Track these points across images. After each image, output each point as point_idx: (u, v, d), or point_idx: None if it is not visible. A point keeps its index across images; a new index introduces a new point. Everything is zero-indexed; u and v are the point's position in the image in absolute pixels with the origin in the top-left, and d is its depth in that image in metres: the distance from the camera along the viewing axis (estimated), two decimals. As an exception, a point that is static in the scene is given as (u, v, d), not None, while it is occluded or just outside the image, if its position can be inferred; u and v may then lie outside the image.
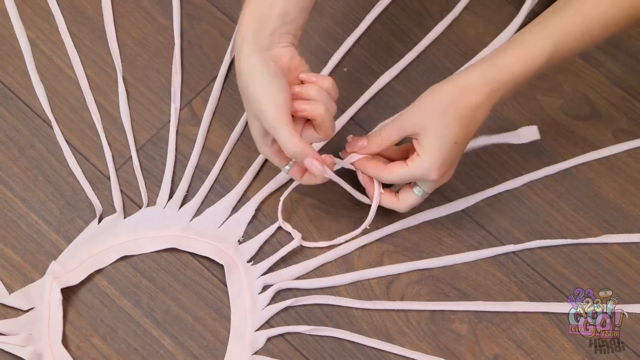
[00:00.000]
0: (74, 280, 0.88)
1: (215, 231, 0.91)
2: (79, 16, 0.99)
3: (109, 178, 0.92)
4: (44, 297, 0.86)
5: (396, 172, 0.84)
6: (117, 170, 0.93)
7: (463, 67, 0.83)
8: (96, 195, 0.91)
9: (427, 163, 0.82)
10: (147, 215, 0.91)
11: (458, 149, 0.83)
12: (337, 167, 0.88)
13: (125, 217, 0.91)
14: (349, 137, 0.87)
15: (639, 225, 0.92)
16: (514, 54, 0.81)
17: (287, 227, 0.90)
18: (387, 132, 0.85)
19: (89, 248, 0.89)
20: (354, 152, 0.86)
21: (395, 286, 0.89)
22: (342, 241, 0.90)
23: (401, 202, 0.87)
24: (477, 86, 0.81)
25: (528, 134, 0.92)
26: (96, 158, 0.93)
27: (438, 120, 0.81)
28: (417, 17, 1.00)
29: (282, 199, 0.90)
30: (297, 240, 0.89)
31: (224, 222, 0.91)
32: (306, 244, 0.90)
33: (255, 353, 0.86)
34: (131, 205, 0.92)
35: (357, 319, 0.88)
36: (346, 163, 0.87)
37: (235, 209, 0.92)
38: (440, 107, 0.81)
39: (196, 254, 0.90)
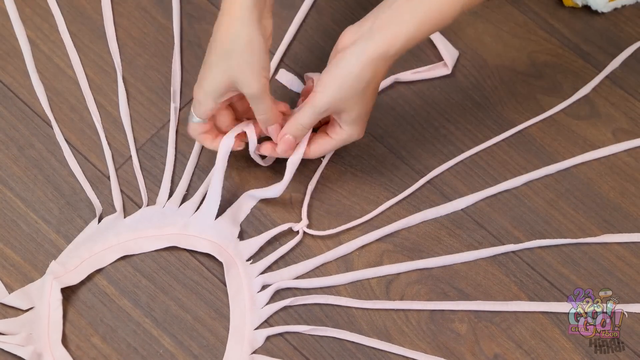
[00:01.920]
0: (74, 280, 0.88)
1: (214, 224, 0.90)
2: (78, 16, 0.99)
3: (108, 178, 0.92)
4: (43, 297, 0.86)
5: (324, 146, 0.88)
6: (117, 170, 0.93)
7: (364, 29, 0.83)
8: (96, 195, 0.91)
9: (354, 133, 0.86)
10: (147, 215, 0.91)
11: (372, 107, 0.87)
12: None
13: (125, 217, 0.91)
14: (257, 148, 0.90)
15: (639, 225, 0.92)
16: (421, 22, 0.81)
17: (304, 220, 0.91)
18: (307, 120, 0.85)
19: (89, 248, 0.89)
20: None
21: (395, 286, 0.89)
22: (344, 228, 0.91)
23: (313, 150, 0.89)
24: (387, 59, 0.82)
25: (449, 58, 0.98)
26: (96, 158, 0.93)
27: (358, 102, 0.84)
28: (417, 16, 1.00)
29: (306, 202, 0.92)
30: (303, 223, 0.90)
31: (222, 214, 0.91)
32: (310, 231, 0.90)
33: (254, 352, 0.86)
34: (131, 205, 0.92)
35: (357, 319, 0.88)
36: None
37: (231, 202, 0.92)
38: (358, 91, 0.83)
39: (196, 254, 0.90)
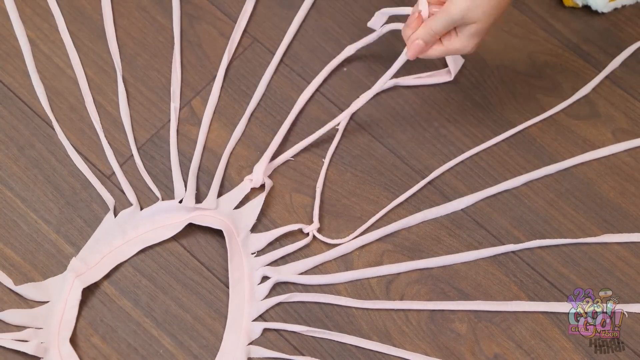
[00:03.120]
0: (95, 277, 0.88)
1: (232, 212, 0.91)
2: (78, 16, 0.99)
3: (108, 177, 0.93)
4: (62, 294, 0.86)
5: (434, 53, 0.87)
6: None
7: None
8: (96, 194, 0.92)
9: (469, 46, 0.85)
10: (164, 207, 0.91)
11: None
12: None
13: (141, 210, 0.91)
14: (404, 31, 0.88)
15: (639, 225, 0.92)
16: None
17: (315, 219, 0.91)
18: (440, 28, 0.85)
19: (108, 242, 0.89)
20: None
21: (395, 286, 0.89)
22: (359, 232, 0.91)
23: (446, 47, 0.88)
24: None
25: (453, 66, 0.97)
26: (96, 158, 0.93)
27: (489, 13, 0.83)
28: (417, 17, 1.00)
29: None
30: (314, 226, 0.90)
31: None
32: (321, 237, 0.91)
33: (250, 343, 0.86)
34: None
35: (357, 319, 0.88)
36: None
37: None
38: (492, 2, 0.82)
39: (196, 254, 0.90)
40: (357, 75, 0.98)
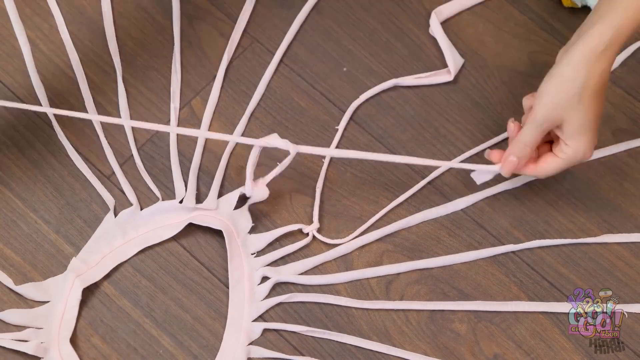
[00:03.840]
0: (95, 277, 0.88)
1: (232, 214, 0.91)
2: (78, 16, 1.00)
3: (108, 178, 0.93)
4: (62, 294, 0.87)
5: (551, 167, 0.85)
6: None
7: (575, 35, 0.82)
8: (97, 195, 0.92)
9: (581, 149, 0.83)
10: (164, 207, 0.91)
11: (600, 117, 0.83)
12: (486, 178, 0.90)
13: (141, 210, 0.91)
14: (487, 154, 0.88)
15: (639, 225, 0.92)
16: (629, 7, 0.78)
17: (315, 219, 0.91)
18: (529, 138, 0.84)
19: (108, 242, 0.89)
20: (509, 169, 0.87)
21: (394, 286, 0.89)
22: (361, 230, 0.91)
23: (541, 168, 0.86)
24: (598, 56, 0.79)
25: (453, 66, 0.96)
26: (96, 158, 0.93)
27: (577, 107, 0.80)
28: (416, 17, 1.00)
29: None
30: (314, 226, 0.90)
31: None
32: (320, 237, 0.91)
33: (250, 343, 0.86)
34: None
35: (357, 319, 0.88)
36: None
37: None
38: (575, 95, 0.80)
39: (196, 254, 0.90)
40: (357, 75, 0.98)
